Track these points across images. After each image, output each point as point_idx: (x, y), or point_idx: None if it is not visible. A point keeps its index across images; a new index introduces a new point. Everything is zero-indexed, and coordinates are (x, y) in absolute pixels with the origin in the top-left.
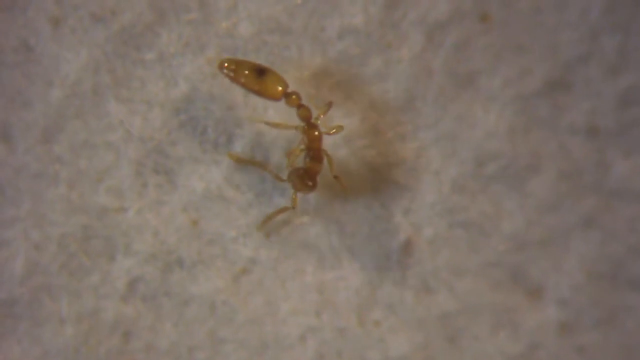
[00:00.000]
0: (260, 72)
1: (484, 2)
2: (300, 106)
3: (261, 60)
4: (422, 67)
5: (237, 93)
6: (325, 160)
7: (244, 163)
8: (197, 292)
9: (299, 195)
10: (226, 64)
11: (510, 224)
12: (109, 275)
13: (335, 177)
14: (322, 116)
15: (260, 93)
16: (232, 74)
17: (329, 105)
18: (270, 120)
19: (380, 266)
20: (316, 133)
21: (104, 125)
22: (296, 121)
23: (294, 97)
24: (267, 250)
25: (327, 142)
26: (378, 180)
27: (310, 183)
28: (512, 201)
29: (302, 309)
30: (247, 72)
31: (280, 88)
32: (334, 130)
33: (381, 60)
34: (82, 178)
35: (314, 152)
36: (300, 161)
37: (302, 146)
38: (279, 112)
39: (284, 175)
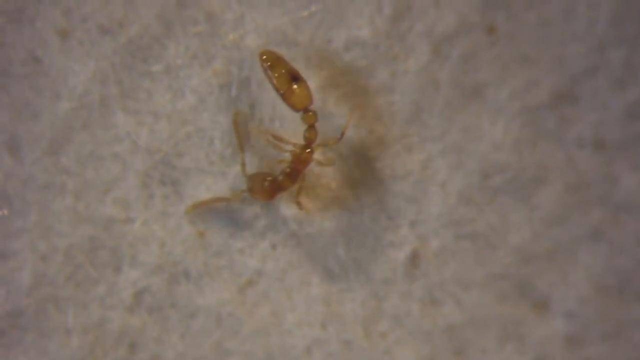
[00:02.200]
0: (294, 78)
1: (491, 14)
2: (311, 127)
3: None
4: (429, 79)
5: (244, 105)
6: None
7: (236, 132)
8: (203, 303)
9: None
10: (265, 56)
11: (517, 236)
12: (115, 286)
13: (298, 202)
14: (330, 143)
15: (284, 97)
16: (267, 68)
17: (340, 138)
18: (276, 134)
19: (387, 278)
20: (307, 156)
21: (110, 136)
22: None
23: (311, 114)
24: (273, 262)
25: (334, 153)
26: (384, 191)
27: (267, 192)
28: (518, 213)
29: (308, 321)
30: (282, 72)
31: (304, 101)
32: (325, 163)
33: (388, 72)
34: (88, 189)
35: (293, 172)
36: (277, 170)
37: (289, 159)
38: (284, 125)
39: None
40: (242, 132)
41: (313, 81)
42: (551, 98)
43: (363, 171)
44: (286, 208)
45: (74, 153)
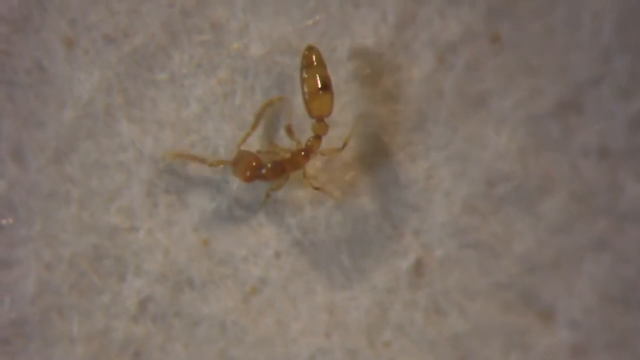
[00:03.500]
0: (324, 87)
1: (495, 23)
2: (318, 137)
3: (271, 81)
4: (433, 87)
5: (248, 113)
6: (274, 182)
7: (262, 109)
8: (207, 312)
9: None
10: (308, 53)
11: (522, 245)
12: (119, 295)
13: (267, 195)
14: (331, 153)
15: (306, 99)
16: (305, 65)
17: (341, 148)
18: (291, 127)
19: (391, 287)
20: (301, 161)
21: (115, 145)
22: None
23: (323, 125)
24: (277, 270)
25: (338, 162)
26: (388, 200)
27: (247, 176)
28: (523, 222)
29: (312, 330)
30: (316, 75)
31: (323, 111)
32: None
33: (392, 81)
34: (93, 198)
35: (280, 169)
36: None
37: (283, 155)
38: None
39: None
40: (266, 114)
41: None
42: (556, 107)
43: (367, 179)
44: (290, 216)
45: (79, 162)
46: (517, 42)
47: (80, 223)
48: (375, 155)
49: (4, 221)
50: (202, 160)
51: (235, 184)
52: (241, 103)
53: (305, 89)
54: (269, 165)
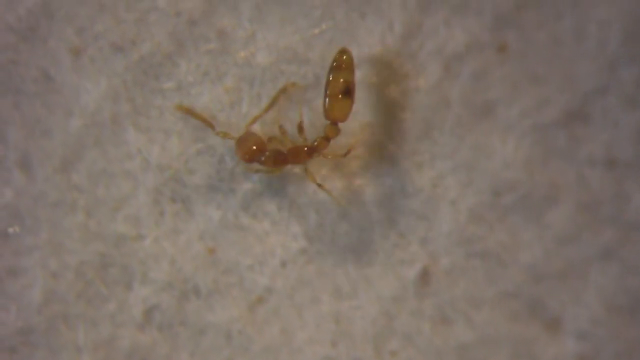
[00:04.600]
0: (347, 92)
1: (502, 32)
2: (327, 139)
3: (278, 89)
4: (440, 97)
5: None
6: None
7: (277, 94)
8: (213, 321)
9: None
10: (339, 55)
11: (528, 255)
12: (125, 303)
13: (257, 170)
14: (334, 157)
15: (326, 101)
16: (333, 66)
17: (345, 154)
18: (301, 123)
19: (397, 296)
20: (304, 157)
21: (122, 153)
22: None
23: (335, 129)
24: (283, 279)
25: (345, 170)
26: (395, 209)
27: (245, 157)
28: (529, 232)
29: (318, 339)
30: (340, 80)
31: (339, 115)
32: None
33: (398, 90)
34: (100, 206)
35: (281, 160)
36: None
37: (287, 145)
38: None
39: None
40: (279, 99)
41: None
42: (562, 116)
43: (373, 188)
44: (296, 225)
45: (86, 170)
46: (524, 52)
47: (87, 231)
48: (381, 163)
49: (10, 230)
50: (209, 124)
51: (241, 192)
52: (248, 111)
53: (328, 91)
54: (269, 153)
